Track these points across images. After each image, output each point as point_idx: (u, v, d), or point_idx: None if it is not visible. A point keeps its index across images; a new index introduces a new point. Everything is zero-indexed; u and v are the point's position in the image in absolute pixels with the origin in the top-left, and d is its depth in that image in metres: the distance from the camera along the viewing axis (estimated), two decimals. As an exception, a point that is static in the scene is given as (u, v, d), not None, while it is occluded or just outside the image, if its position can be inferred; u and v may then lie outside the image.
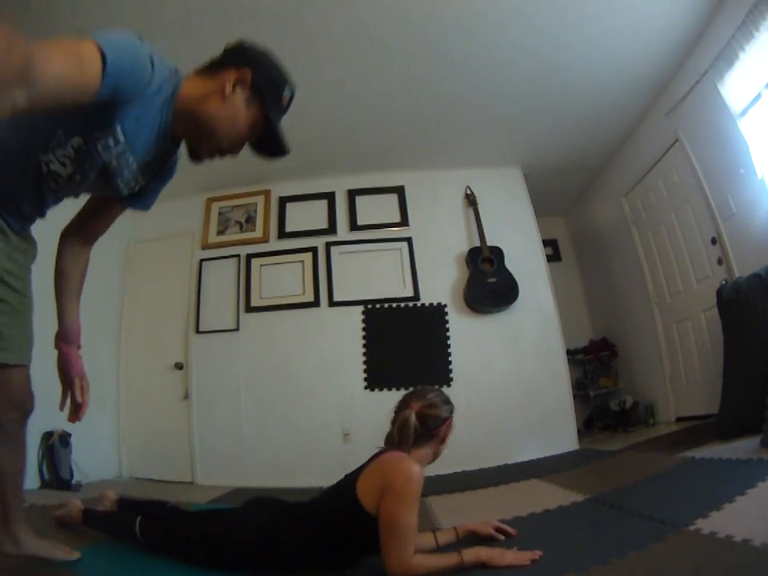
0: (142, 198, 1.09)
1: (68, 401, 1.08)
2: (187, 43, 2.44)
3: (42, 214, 1.01)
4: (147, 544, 1.36)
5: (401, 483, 1.08)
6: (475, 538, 1.33)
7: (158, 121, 0.89)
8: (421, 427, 1.25)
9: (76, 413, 1.06)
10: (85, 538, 1.43)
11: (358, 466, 1.25)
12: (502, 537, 1.32)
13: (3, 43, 0.56)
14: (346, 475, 1.24)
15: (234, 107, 0.92)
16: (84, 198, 1.11)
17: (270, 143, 1.06)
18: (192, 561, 1.28)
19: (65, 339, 1.10)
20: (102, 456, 3.13)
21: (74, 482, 2.57)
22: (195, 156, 0.98)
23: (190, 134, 0.94)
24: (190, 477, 3.12)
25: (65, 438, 2.56)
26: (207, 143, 0.95)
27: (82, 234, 1.12)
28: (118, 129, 0.84)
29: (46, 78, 0.64)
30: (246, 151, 2.58)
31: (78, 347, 1.12)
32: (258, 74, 0.95)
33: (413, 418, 1.25)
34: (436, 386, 1.42)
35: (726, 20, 2.50)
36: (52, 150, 0.86)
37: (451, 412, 1.31)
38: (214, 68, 0.94)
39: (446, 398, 1.34)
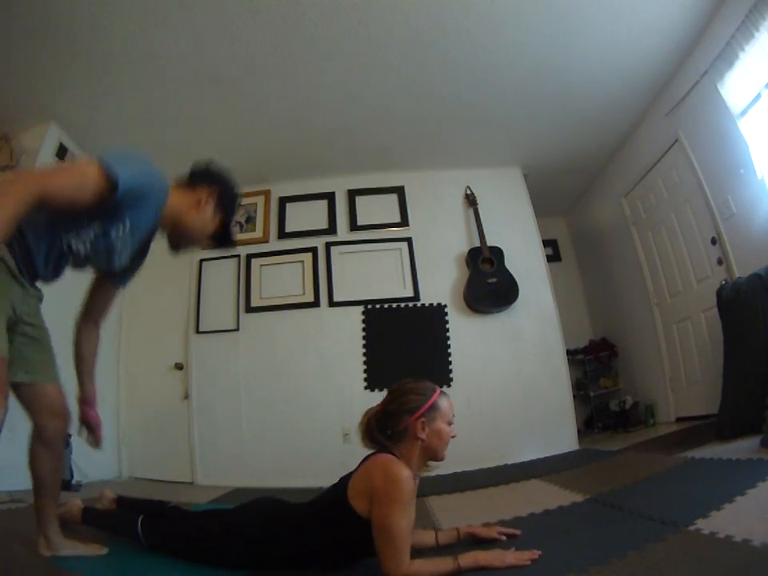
0: (124, 276, 1.40)
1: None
2: (188, 43, 2.46)
3: (51, 280, 1.24)
4: (149, 543, 1.36)
5: (387, 487, 1.06)
6: (475, 540, 1.32)
7: (151, 219, 1.22)
8: (380, 425, 1.21)
9: (98, 444, 1.43)
10: (86, 537, 1.43)
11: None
12: (504, 537, 1.31)
13: (27, 179, 0.96)
14: (341, 477, 1.23)
15: (206, 217, 1.27)
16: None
17: (223, 238, 1.37)
18: (193, 559, 1.29)
19: (86, 403, 1.40)
20: (102, 456, 3.12)
21: (73, 482, 2.57)
22: (175, 248, 1.32)
23: (172, 233, 1.28)
24: (190, 477, 3.12)
25: (65, 438, 2.55)
26: (185, 242, 1.29)
27: (90, 317, 1.40)
28: (127, 221, 1.15)
29: (53, 196, 0.97)
30: (246, 151, 2.66)
31: (96, 405, 1.43)
32: (222, 192, 1.29)
33: (365, 418, 1.25)
34: (424, 379, 1.34)
35: (725, 20, 2.50)
36: (76, 231, 1.13)
37: (419, 404, 1.20)
38: (191, 184, 1.29)
39: (418, 389, 1.25)
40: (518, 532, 1.33)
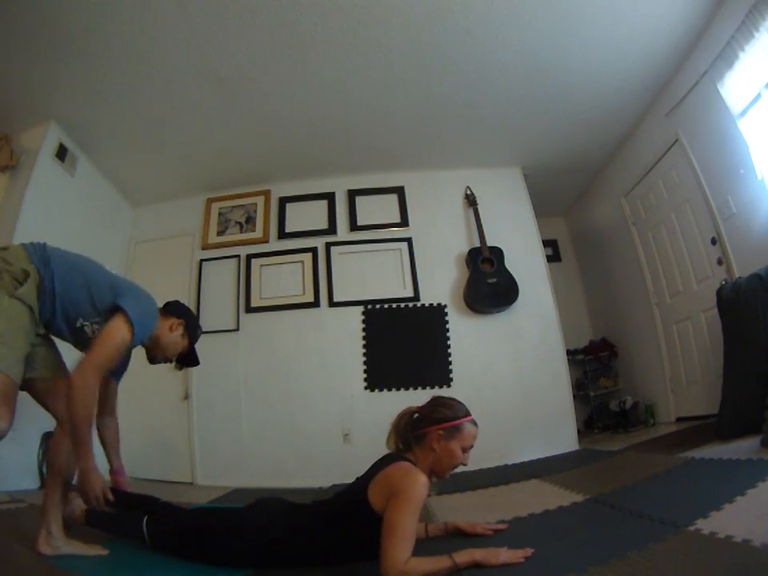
0: (118, 373, 1.73)
1: None
2: (187, 43, 2.46)
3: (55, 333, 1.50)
4: (153, 543, 1.36)
5: (405, 487, 1.11)
6: (463, 534, 1.39)
7: (142, 339, 1.51)
8: (410, 425, 1.31)
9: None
10: (87, 538, 1.43)
11: (368, 468, 1.27)
12: (491, 533, 1.37)
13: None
14: (357, 478, 1.26)
15: (176, 338, 1.62)
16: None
17: (190, 358, 1.76)
18: (196, 558, 1.29)
19: (116, 473, 1.75)
20: (102, 456, 3.12)
21: (74, 482, 2.56)
22: (151, 361, 1.63)
23: (151, 348, 1.59)
24: (190, 477, 3.12)
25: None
26: (161, 356, 1.62)
27: (104, 411, 1.72)
28: None
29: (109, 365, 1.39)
30: (246, 151, 2.67)
31: (124, 473, 1.77)
32: (187, 321, 1.67)
33: (400, 414, 1.34)
34: (435, 387, 1.42)
35: (725, 20, 2.50)
36: (90, 322, 1.43)
37: (445, 419, 1.28)
38: (165, 313, 1.63)
39: (451, 406, 1.32)
40: (503, 527, 1.40)
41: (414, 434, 1.30)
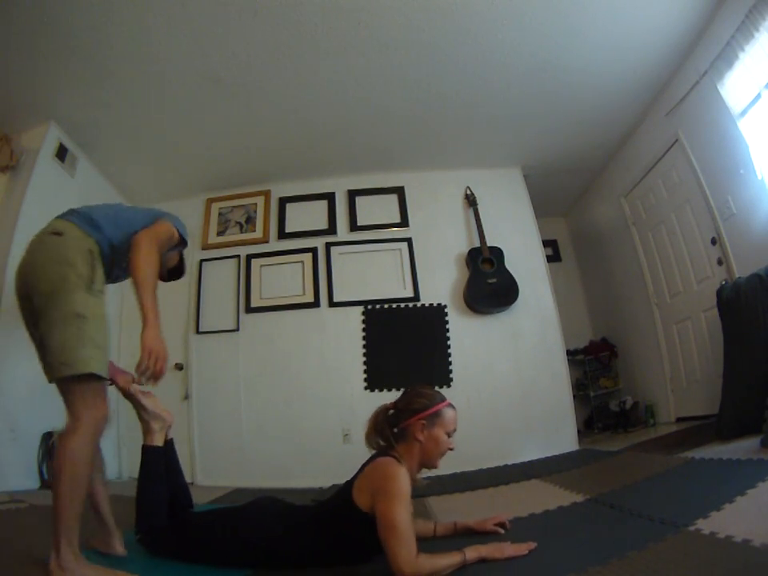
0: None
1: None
2: (187, 44, 2.46)
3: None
4: (145, 543, 1.36)
5: (386, 484, 1.12)
6: (472, 533, 1.38)
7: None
8: (390, 421, 1.29)
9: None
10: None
11: (357, 469, 1.27)
12: (501, 531, 1.36)
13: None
14: (347, 481, 1.26)
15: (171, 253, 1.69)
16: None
17: (179, 270, 1.80)
18: (196, 559, 1.28)
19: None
20: (102, 456, 3.12)
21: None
22: (161, 278, 1.67)
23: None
24: (190, 477, 3.11)
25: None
26: (163, 269, 1.67)
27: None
28: None
29: (162, 246, 1.51)
30: (246, 151, 2.63)
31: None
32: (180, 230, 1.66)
33: (376, 411, 1.31)
34: (435, 387, 1.39)
35: (725, 20, 2.50)
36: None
37: (425, 407, 1.26)
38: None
39: (427, 395, 1.30)
40: (504, 518, 1.41)
41: (393, 431, 1.28)
